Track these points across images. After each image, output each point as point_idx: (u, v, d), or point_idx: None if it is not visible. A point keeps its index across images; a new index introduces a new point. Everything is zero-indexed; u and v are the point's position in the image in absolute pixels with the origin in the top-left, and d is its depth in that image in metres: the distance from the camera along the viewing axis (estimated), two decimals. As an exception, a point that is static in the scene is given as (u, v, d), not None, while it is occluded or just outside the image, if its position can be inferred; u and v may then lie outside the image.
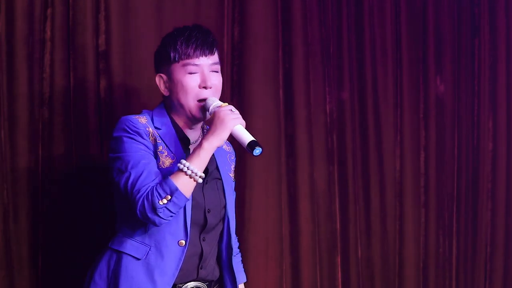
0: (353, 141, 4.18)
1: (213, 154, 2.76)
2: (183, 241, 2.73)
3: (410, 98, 4.41)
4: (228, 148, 3.01)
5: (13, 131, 3.17)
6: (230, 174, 2.93)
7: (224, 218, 2.88)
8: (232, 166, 2.99)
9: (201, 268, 2.82)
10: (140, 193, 2.63)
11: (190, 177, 2.64)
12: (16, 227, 3.17)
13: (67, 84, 3.27)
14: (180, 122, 2.82)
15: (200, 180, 2.66)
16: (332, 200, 4.10)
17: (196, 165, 2.64)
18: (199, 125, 2.86)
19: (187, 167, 2.63)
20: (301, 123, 3.98)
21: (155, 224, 2.65)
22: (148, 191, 2.62)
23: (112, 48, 3.37)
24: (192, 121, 2.82)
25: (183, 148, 2.79)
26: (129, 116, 2.75)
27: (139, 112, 2.85)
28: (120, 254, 2.74)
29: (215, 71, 2.80)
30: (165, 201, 2.61)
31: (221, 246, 2.90)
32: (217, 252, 2.90)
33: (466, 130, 4.60)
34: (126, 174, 2.65)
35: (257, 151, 2.66)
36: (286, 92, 3.95)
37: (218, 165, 2.89)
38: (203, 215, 2.79)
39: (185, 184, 2.63)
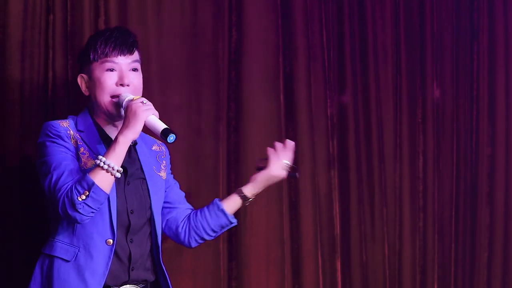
0: (354, 146, 4.18)
1: (136, 155, 2.82)
2: (111, 240, 2.74)
3: (409, 103, 4.41)
4: (159, 148, 2.99)
5: (5, 137, 3.16)
6: (159, 173, 2.92)
7: (150, 219, 2.87)
8: (163, 165, 2.98)
9: (132, 270, 2.81)
10: (61, 192, 2.63)
11: (107, 171, 2.64)
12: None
13: (66, 89, 3.26)
14: (102, 122, 2.83)
15: (118, 175, 2.66)
16: (332, 205, 4.09)
17: (113, 159, 2.64)
18: (120, 123, 2.82)
19: (103, 162, 2.63)
20: (302, 127, 3.97)
21: (76, 222, 2.65)
22: (68, 189, 2.62)
23: (111, 53, 3.35)
24: (110, 118, 2.82)
25: (106, 148, 2.79)
26: (51, 121, 2.76)
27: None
28: (51, 258, 2.75)
29: (134, 69, 2.81)
30: (83, 197, 2.61)
31: (151, 246, 2.88)
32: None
33: (465, 135, 4.59)
34: (49, 176, 2.66)
35: (171, 138, 2.67)
36: (287, 97, 3.94)
37: (142, 165, 2.88)
38: (126, 216, 2.79)
39: (102, 179, 2.63)
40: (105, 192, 2.64)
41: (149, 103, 2.71)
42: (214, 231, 2.99)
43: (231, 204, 2.97)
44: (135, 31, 3.37)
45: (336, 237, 4.10)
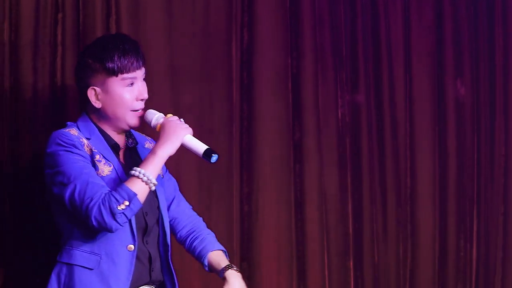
0: (368, 145, 4.16)
1: (138, 157, 2.87)
2: (132, 246, 2.76)
3: (428, 101, 4.37)
4: (151, 145, 2.99)
5: (17, 135, 3.16)
6: (160, 172, 2.92)
7: (158, 219, 2.89)
8: None
9: (152, 271, 2.84)
10: (94, 200, 2.63)
11: (146, 183, 2.69)
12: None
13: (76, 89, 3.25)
14: (108, 129, 2.84)
15: (153, 188, 2.71)
16: (344, 205, 4.07)
17: (151, 172, 2.70)
18: (123, 131, 2.88)
19: (143, 174, 2.68)
20: (310, 127, 3.96)
21: (110, 230, 2.67)
22: (103, 197, 2.64)
23: (123, 52, 3.35)
24: (124, 129, 2.86)
25: (115, 155, 2.83)
26: (60, 130, 2.76)
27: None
28: (70, 266, 2.74)
29: (144, 82, 2.87)
30: (123, 206, 2.64)
31: (159, 246, 2.89)
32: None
33: (485, 133, 4.56)
34: (71, 186, 2.66)
35: (214, 158, 2.77)
36: (295, 97, 3.93)
37: None
38: (143, 219, 2.82)
39: (141, 191, 2.69)
40: (141, 204, 2.69)
41: (183, 122, 2.81)
42: None
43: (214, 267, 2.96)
44: (146, 31, 3.43)
45: (348, 237, 4.08)
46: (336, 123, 4.06)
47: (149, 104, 3.37)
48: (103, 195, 2.64)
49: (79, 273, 2.72)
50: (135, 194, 2.65)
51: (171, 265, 2.90)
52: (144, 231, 2.82)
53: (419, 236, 4.35)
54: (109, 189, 2.67)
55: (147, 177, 2.68)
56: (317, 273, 3.97)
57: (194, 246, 2.99)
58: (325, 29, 4.02)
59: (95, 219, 2.63)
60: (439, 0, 4.40)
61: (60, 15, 3.24)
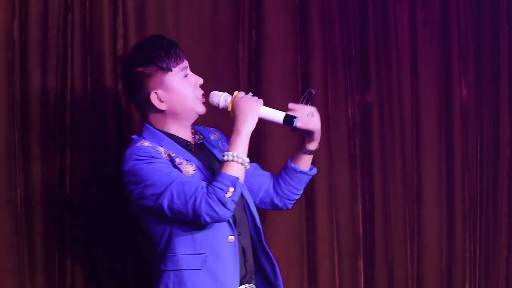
0: (377, 145, 4.15)
1: (209, 152, 2.88)
2: (232, 236, 2.76)
3: (433, 102, 4.35)
4: (216, 135, 3.02)
5: (26, 137, 3.17)
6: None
7: (245, 206, 2.89)
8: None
9: (246, 262, 2.84)
10: (199, 198, 2.63)
11: (242, 164, 2.69)
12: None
13: (85, 88, 3.27)
14: (176, 131, 2.85)
15: (248, 166, 2.72)
16: (354, 204, 4.06)
17: (242, 151, 2.71)
18: (190, 126, 2.90)
19: (237, 156, 2.69)
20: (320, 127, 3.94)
21: (224, 220, 2.68)
22: (207, 192, 2.64)
23: (130, 52, 3.37)
24: (189, 124, 2.88)
25: (190, 153, 2.83)
26: (132, 146, 2.76)
27: None
28: (178, 272, 2.74)
29: None
30: (230, 193, 2.64)
31: (250, 232, 2.90)
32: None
33: (487, 134, 4.54)
34: (167, 194, 2.65)
35: (295, 122, 2.82)
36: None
37: (217, 157, 2.90)
38: None
39: (240, 173, 2.69)
40: (243, 184, 2.72)
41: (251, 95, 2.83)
42: (301, 189, 3.08)
43: (303, 162, 3.03)
44: (154, 32, 3.43)
45: (358, 237, 4.07)
46: (346, 123, 4.05)
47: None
48: (204, 189, 2.64)
49: (188, 276, 2.73)
50: (237, 178, 2.66)
51: (267, 247, 2.91)
52: (235, 222, 2.81)
53: (425, 236, 4.34)
54: (206, 183, 2.66)
55: (241, 158, 2.69)
56: (327, 273, 3.96)
57: (282, 186, 3.06)
58: (334, 28, 4.01)
59: (207, 214, 2.63)
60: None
61: (70, 16, 3.25)
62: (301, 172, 3.02)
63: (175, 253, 2.73)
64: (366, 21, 4.13)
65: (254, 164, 3.07)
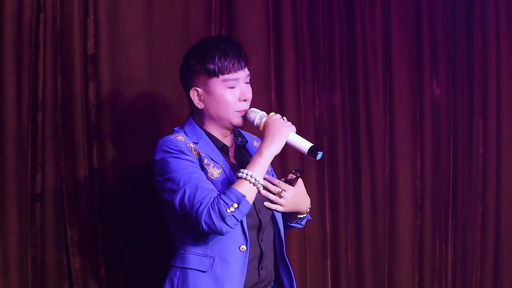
0: (344, 145, 4.18)
1: (248, 154, 2.92)
2: (244, 246, 2.80)
3: (405, 102, 4.39)
4: (259, 144, 3.04)
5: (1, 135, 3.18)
6: (268, 169, 2.95)
7: (272, 215, 2.94)
8: None
9: (261, 269, 2.87)
10: (203, 205, 2.68)
11: (254, 184, 2.73)
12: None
13: (55, 88, 3.28)
14: (214, 131, 2.90)
15: (261, 188, 2.75)
16: (322, 205, 4.09)
17: (258, 173, 2.74)
18: (229, 131, 2.94)
19: (250, 175, 2.72)
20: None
21: (221, 233, 2.71)
22: (212, 201, 2.68)
23: (101, 52, 3.37)
24: (229, 129, 2.91)
25: (223, 156, 2.87)
26: (166, 137, 2.82)
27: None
28: (185, 270, 2.80)
29: (248, 83, 2.90)
30: (232, 209, 2.68)
31: (274, 242, 2.95)
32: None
33: (462, 133, 4.58)
34: (181, 191, 2.71)
35: (319, 155, 2.81)
36: (278, 96, 3.96)
37: None
38: (256, 216, 2.86)
39: (249, 192, 2.73)
40: (250, 205, 2.72)
41: (286, 119, 2.85)
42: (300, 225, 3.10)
43: (295, 219, 3.04)
44: (125, 32, 3.43)
45: (325, 236, 4.10)
46: (313, 123, 4.08)
47: (134, 103, 3.41)
48: (212, 199, 2.68)
49: (192, 276, 2.78)
50: (244, 196, 2.69)
51: (287, 260, 2.95)
52: (259, 228, 2.86)
53: (398, 237, 4.38)
54: (218, 193, 2.71)
55: (254, 178, 2.72)
56: (297, 273, 3.96)
57: None
58: (304, 27, 4.04)
59: (205, 223, 2.68)
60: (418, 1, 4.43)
61: (42, 15, 3.25)
62: (293, 225, 3.08)
63: (185, 251, 2.80)
64: (332, 20, 4.15)
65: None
